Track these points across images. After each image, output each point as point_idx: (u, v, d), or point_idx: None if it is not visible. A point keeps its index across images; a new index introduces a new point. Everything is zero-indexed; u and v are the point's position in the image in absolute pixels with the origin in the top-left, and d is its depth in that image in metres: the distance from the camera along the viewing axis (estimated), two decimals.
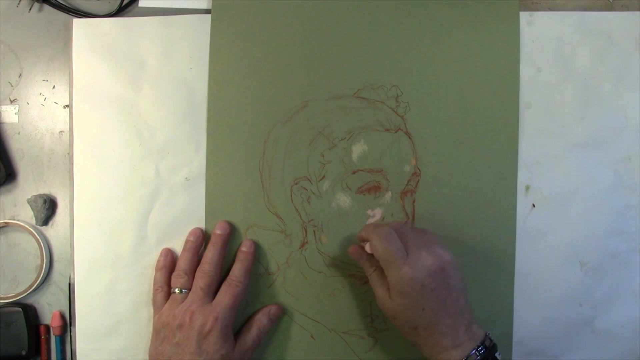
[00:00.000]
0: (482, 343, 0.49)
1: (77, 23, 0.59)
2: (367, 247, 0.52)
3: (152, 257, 0.58)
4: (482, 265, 0.58)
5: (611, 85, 0.60)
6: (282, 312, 0.58)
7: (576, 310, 0.59)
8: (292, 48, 0.58)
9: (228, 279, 0.56)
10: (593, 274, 0.59)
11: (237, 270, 0.56)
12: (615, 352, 0.60)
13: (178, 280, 0.56)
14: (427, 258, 0.49)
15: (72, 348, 0.59)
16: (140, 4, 0.60)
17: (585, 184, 0.59)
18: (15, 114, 0.60)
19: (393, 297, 0.50)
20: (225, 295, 0.55)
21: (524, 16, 0.59)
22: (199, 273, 0.55)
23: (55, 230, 0.60)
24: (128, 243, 0.58)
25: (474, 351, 0.48)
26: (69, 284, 0.59)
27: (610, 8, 0.61)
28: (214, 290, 0.55)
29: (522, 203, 0.59)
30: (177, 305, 0.54)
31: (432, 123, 0.59)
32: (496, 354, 0.49)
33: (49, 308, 0.60)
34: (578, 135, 0.60)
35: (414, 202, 0.59)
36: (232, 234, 0.58)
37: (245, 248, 0.57)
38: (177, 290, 0.55)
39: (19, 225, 0.59)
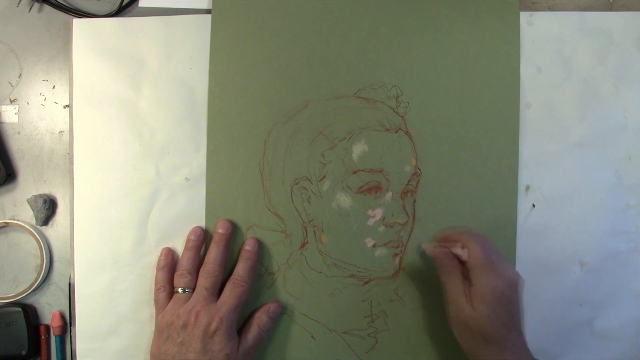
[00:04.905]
0: None
1: (77, 23, 0.59)
2: (461, 251, 0.52)
3: (153, 257, 0.58)
4: None
5: (611, 85, 0.60)
6: (282, 310, 0.58)
7: (576, 310, 0.59)
8: (292, 48, 0.58)
9: (232, 278, 0.56)
10: (593, 274, 0.59)
11: (241, 269, 0.56)
12: (615, 352, 0.60)
13: (181, 279, 0.56)
14: (508, 270, 0.51)
15: (72, 348, 0.59)
16: (140, 4, 0.60)
17: (585, 184, 0.59)
18: (15, 114, 0.60)
19: (476, 305, 0.50)
20: (230, 296, 0.55)
21: (524, 16, 0.59)
22: (203, 273, 0.55)
23: (55, 230, 0.60)
24: (128, 243, 0.58)
25: None
26: (69, 284, 0.59)
27: (610, 8, 0.61)
28: (218, 289, 0.55)
29: (522, 203, 0.59)
30: (181, 305, 0.54)
31: (433, 123, 0.59)
32: None
33: (49, 308, 0.60)
34: (578, 135, 0.60)
35: (414, 202, 0.59)
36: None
37: (249, 247, 0.57)
38: (180, 290, 0.55)
39: (19, 225, 0.59)
